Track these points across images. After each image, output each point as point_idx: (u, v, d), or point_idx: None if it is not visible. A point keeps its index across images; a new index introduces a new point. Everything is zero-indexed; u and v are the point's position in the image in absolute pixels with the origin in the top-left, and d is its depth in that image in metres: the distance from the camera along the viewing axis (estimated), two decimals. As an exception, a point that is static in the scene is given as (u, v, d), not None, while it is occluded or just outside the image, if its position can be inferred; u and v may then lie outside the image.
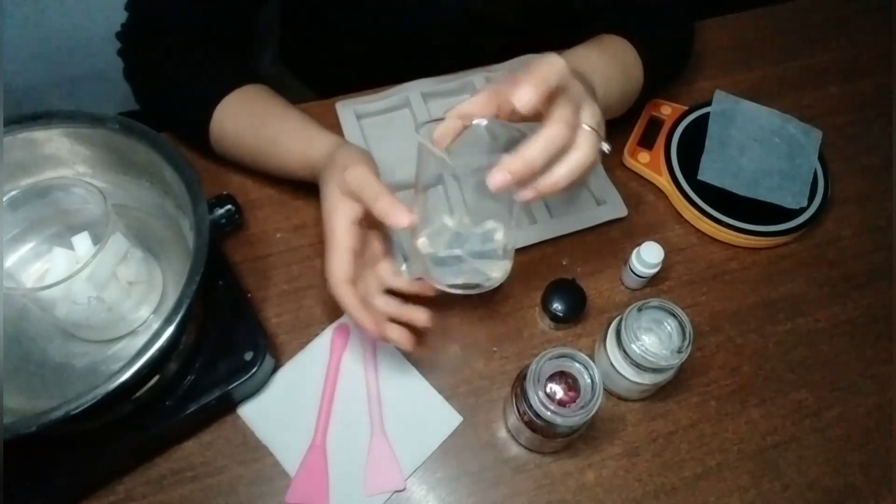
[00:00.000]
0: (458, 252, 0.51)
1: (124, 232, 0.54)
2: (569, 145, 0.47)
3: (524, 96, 0.44)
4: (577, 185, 0.52)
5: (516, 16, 0.83)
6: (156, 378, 0.53)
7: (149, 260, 0.58)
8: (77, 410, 0.44)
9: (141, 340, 0.47)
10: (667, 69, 0.75)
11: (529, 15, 0.83)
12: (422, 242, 0.52)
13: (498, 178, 0.45)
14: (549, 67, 0.46)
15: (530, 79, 0.45)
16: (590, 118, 0.49)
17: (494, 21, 0.82)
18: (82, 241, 0.55)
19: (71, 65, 1.22)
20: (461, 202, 0.55)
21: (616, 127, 0.77)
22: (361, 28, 0.83)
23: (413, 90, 0.76)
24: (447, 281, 0.52)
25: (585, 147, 0.48)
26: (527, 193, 0.47)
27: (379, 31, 0.83)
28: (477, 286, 0.52)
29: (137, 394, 0.53)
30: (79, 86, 1.26)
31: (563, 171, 0.47)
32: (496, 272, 0.52)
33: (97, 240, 0.55)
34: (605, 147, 0.50)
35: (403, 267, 0.66)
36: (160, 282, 0.59)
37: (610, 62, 0.63)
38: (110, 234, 0.51)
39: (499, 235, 0.52)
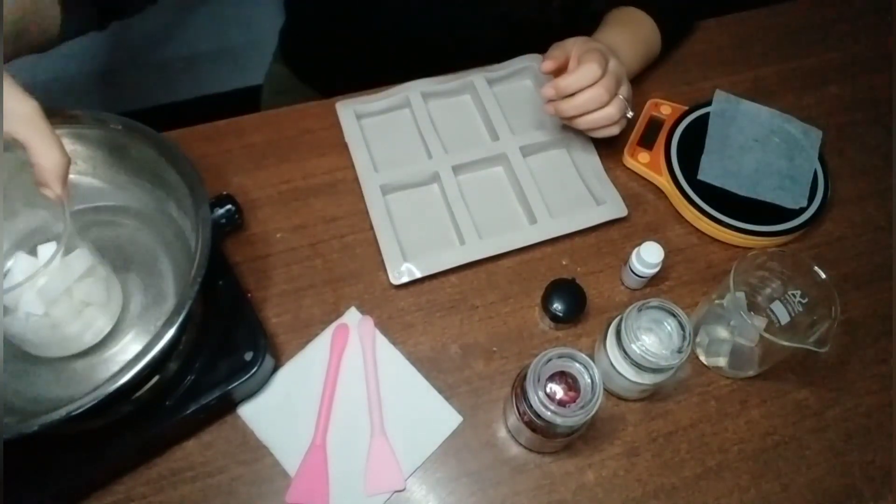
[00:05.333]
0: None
1: (91, 248, 0.51)
2: (604, 104, 0.63)
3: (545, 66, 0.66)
4: (595, 132, 0.68)
5: (514, 15, 0.83)
6: (156, 378, 0.53)
7: (111, 283, 0.55)
8: (77, 410, 0.44)
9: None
10: (681, 29, 0.86)
11: (527, 13, 0.83)
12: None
13: (545, 91, 0.64)
14: (573, 43, 0.66)
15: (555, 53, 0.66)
16: (626, 92, 0.66)
17: (494, 21, 0.82)
18: (47, 251, 0.51)
19: (71, 65, 1.22)
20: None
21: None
22: (362, 28, 0.83)
23: (413, 90, 0.76)
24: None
25: (615, 109, 0.64)
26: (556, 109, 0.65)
27: (379, 31, 0.83)
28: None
29: (137, 394, 0.53)
30: (79, 86, 1.26)
31: (593, 117, 0.64)
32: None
33: (68, 251, 0.50)
34: (630, 114, 0.66)
35: (403, 267, 0.66)
36: (117, 308, 0.55)
37: (631, 36, 0.74)
38: (60, 250, 0.47)
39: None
